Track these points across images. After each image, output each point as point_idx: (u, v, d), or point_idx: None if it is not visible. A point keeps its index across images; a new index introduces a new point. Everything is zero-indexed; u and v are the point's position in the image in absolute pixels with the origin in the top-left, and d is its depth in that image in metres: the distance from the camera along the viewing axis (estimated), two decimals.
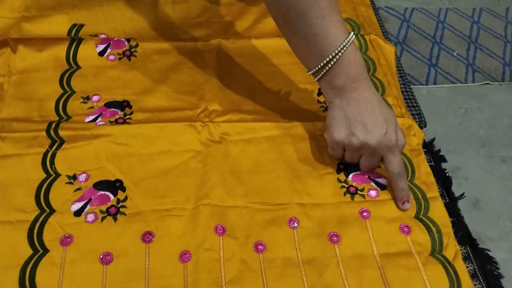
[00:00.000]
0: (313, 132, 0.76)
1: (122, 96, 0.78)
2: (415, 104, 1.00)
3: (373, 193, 0.70)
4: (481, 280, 0.71)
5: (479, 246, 0.75)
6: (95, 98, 0.78)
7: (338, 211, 0.68)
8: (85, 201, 0.65)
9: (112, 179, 0.68)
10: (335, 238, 0.65)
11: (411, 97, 1.00)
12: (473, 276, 0.70)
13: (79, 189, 0.67)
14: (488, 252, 0.77)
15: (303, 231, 0.65)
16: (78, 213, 0.64)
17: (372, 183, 0.71)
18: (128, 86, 0.80)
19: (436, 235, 0.66)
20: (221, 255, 0.62)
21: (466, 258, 0.73)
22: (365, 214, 0.67)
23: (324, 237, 0.65)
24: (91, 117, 0.75)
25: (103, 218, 0.64)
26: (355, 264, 0.63)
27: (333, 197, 0.69)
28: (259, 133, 0.75)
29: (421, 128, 0.88)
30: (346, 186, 0.71)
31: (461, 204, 0.86)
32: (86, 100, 0.77)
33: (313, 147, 0.75)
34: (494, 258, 0.78)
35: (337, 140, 0.68)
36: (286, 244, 0.64)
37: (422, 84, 1.48)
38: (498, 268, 0.77)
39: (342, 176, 0.72)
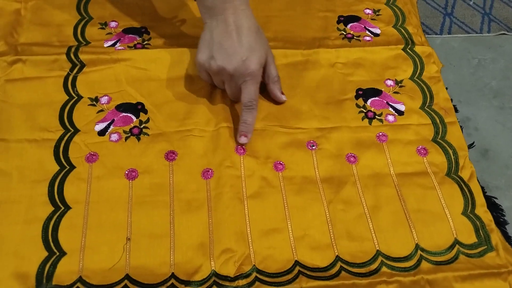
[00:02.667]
0: (332, 59, 0.77)
1: (139, 23, 0.79)
2: None
3: (390, 118, 0.72)
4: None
5: (486, 194, 0.77)
6: (112, 24, 0.79)
7: (355, 135, 0.70)
8: (108, 122, 0.68)
9: (134, 102, 0.70)
10: (352, 159, 0.68)
11: None
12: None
13: (101, 110, 0.69)
14: (495, 199, 0.78)
15: (321, 152, 0.68)
16: (102, 132, 0.67)
17: (390, 109, 0.74)
18: (146, 13, 0.80)
19: (452, 157, 0.69)
20: (242, 172, 0.65)
21: None
22: (382, 137, 0.70)
23: (342, 157, 0.68)
24: (110, 42, 0.76)
25: (126, 138, 0.67)
26: (371, 182, 0.66)
27: (351, 121, 0.71)
28: (278, 60, 0.75)
29: None
30: (365, 111, 0.73)
31: (470, 153, 0.87)
32: (104, 26, 0.78)
33: (332, 74, 0.76)
34: (500, 205, 0.80)
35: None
36: (305, 163, 0.67)
37: (437, 34, 1.46)
38: (504, 215, 0.79)
39: (360, 102, 0.74)
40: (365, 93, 0.75)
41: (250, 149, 0.67)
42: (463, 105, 1.22)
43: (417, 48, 0.78)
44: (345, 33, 0.81)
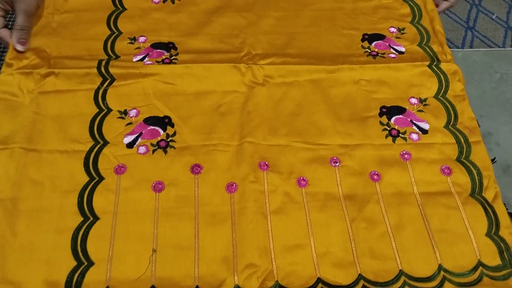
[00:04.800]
0: (356, 76, 0.77)
1: (167, 38, 0.81)
2: None
3: (414, 136, 0.72)
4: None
5: (508, 210, 0.76)
6: (141, 39, 0.80)
7: (379, 152, 0.70)
8: (136, 135, 0.69)
9: (161, 115, 0.72)
10: (376, 177, 0.67)
11: None
12: (501, 240, 0.71)
13: (130, 123, 0.70)
14: None
15: (345, 169, 0.68)
16: (130, 145, 0.68)
17: (414, 127, 0.73)
18: (173, 28, 0.82)
19: (476, 177, 0.68)
20: (266, 188, 0.65)
21: None
22: (406, 156, 0.70)
23: (365, 175, 0.68)
24: (139, 57, 0.77)
25: (154, 151, 0.68)
26: (395, 201, 0.66)
27: (374, 139, 0.71)
28: (302, 76, 0.77)
29: None
30: (388, 129, 0.72)
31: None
32: (133, 41, 0.80)
33: (356, 91, 0.76)
34: None
35: None
36: (328, 180, 0.67)
37: (458, 47, 1.45)
38: None
39: (384, 119, 0.73)
40: (389, 111, 0.74)
41: (273, 164, 0.67)
42: (484, 120, 1.21)
43: (443, 66, 0.77)
44: (369, 51, 0.81)
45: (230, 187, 0.65)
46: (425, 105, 0.75)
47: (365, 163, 0.69)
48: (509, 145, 1.17)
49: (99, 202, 0.62)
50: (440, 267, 0.61)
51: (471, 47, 1.47)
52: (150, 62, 0.76)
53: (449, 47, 1.33)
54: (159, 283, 0.58)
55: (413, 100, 0.76)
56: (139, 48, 0.79)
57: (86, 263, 0.58)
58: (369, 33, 0.84)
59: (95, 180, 0.64)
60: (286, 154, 0.69)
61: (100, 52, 0.78)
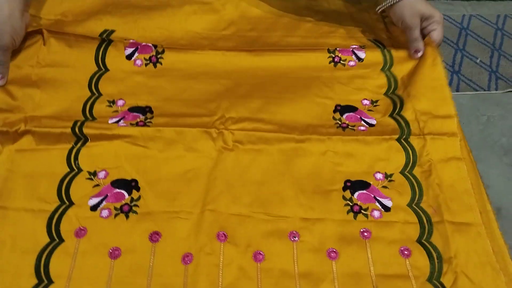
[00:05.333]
0: (324, 148, 0.76)
1: (145, 102, 0.81)
2: None
3: (376, 213, 0.70)
4: None
5: None
6: (120, 102, 0.81)
7: (339, 228, 0.68)
8: (102, 197, 0.69)
9: (129, 178, 0.71)
10: (333, 255, 0.65)
11: None
12: None
13: (97, 185, 0.70)
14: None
15: (303, 245, 0.66)
16: (94, 207, 0.68)
17: (377, 203, 0.71)
18: (152, 92, 0.83)
19: (436, 261, 0.65)
20: (221, 261, 0.64)
21: None
22: (366, 234, 0.67)
23: (323, 252, 0.65)
24: (114, 120, 0.78)
25: (116, 215, 0.67)
26: (350, 281, 0.63)
27: (336, 214, 0.69)
28: (271, 144, 0.76)
29: None
30: (351, 204, 0.71)
31: None
32: (111, 104, 0.80)
33: (323, 163, 0.75)
34: None
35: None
36: (285, 255, 0.65)
37: None
38: None
39: (348, 194, 0.72)
40: (353, 185, 0.73)
41: (231, 236, 0.66)
42: None
43: (412, 139, 0.75)
44: (340, 122, 0.80)
45: (186, 258, 0.64)
46: (390, 181, 0.73)
47: (324, 239, 0.67)
48: (499, 187, 1.17)
49: (55, 265, 0.62)
50: None
51: (457, 90, 1.50)
52: (124, 124, 0.76)
53: None
54: None
55: (378, 176, 0.74)
56: (116, 111, 0.79)
57: None
58: (342, 104, 0.83)
59: (55, 242, 0.64)
60: (246, 225, 0.67)
61: (78, 113, 0.78)
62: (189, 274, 0.62)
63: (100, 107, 0.79)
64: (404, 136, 0.76)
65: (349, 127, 0.79)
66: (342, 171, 0.74)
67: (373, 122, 0.80)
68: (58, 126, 0.74)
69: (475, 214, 0.69)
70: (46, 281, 0.60)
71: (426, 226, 0.68)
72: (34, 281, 0.60)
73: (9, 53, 0.80)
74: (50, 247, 0.63)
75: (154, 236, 0.65)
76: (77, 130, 0.74)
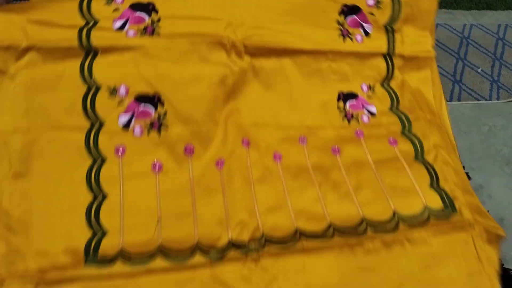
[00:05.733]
0: (324, 61, 0.88)
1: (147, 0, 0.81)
2: None
3: (365, 118, 0.86)
4: None
5: (503, 266, 0.74)
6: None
7: (338, 132, 0.83)
8: (130, 115, 0.75)
9: (151, 92, 0.76)
10: (336, 151, 0.81)
11: None
12: None
13: (121, 101, 0.76)
14: None
15: (311, 146, 0.81)
16: (126, 126, 0.75)
17: (365, 111, 0.87)
18: None
19: (418, 145, 0.83)
20: (248, 162, 0.76)
21: None
22: (360, 134, 0.84)
23: (328, 150, 0.81)
24: (119, 23, 0.77)
25: (148, 132, 0.75)
26: (353, 168, 0.79)
27: (333, 121, 0.84)
28: (275, 38, 0.84)
29: None
30: (344, 112, 0.86)
31: None
32: (110, 1, 0.80)
33: (320, 77, 0.88)
34: None
35: None
36: (298, 155, 0.79)
37: (446, 101, 1.47)
38: None
39: (341, 104, 0.88)
40: (345, 97, 0.88)
41: (253, 141, 0.79)
42: (475, 173, 1.22)
43: (396, 58, 0.92)
44: (342, 28, 0.91)
45: (219, 163, 0.75)
46: (373, 91, 0.90)
47: (327, 141, 0.82)
48: (501, 197, 1.16)
49: (105, 180, 0.70)
50: (395, 213, 0.74)
51: (459, 100, 1.49)
52: (132, 32, 0.77)
53: None
54: (165, 243, 0.66)
55: (364, 87, 0.90)
56: (117, 9, 0.79)
57: (101, 232, 0.66)
58: (347, 3, 0.93)
59: (99, 161, 0.71)
60: (263, 132, 0.80)
61: (75, 14, 0.76)
62: (224, 174, 0.74)
63: (97, 6, 0.79)
64: (389, 50, 0.92)
65: (348, 35, 0.92)
66: (337, 85, 0.88)
67: (369, 30, 0.93)
68: (63, 38, 0.73)
69: (439, 116, 0.88)
70: (101, 194, 0.69)
71: (405, 122, 0.86)
72: (90, 196, 0.69)
73: None
74: (96, 166, 0.71)
75: (188, 149, 0.75)
76: (84, 39, 0.74)
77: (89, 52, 0.75)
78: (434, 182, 0.79)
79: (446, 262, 0.70)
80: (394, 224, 0.72)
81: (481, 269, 0.70)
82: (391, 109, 0.88)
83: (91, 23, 0.75)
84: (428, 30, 0.97)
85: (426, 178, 0.79)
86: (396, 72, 0.91)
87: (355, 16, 0.93)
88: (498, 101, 1.49)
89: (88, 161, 0.70)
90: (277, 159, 0.78)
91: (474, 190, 0.80)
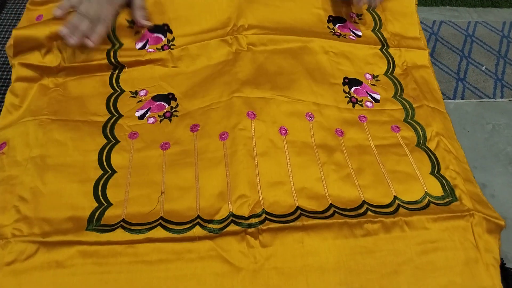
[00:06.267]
0: (326, 48, 0.91)
1: (161, 22, 0.91)
2: None
3: (369, 104, 0.86)
4: None
5: (505, 265, 0.74)
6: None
7: (342, 114, 0.83)
8: (146, 109, 0.81)
9: (166, 93, 0.84)
10: (340, 133, 0.80)
11: None
12: None
13: (140, 101, 0.82)
14: None
15: (316, 124, 0.80)
16: (141, 117, 0.80)
17: (369, 97, 0.87)
18: (164, 11, 0.92)
19: (420, 132, 0.83)
20: (253, 134, 0.76)
21: None
22: (363, 118, 0.83)
23: (332, 130, 0.80)
24: (140, 44, 0.89)
25: (161, 120, 0.80)
26: (356, 151, 0.78)
27: (340, 103, 0.85)
28: (280, 44, 0.90)
29: None
30: (349, 96, 0.86)
31: None
32: (132, 25, 0.89)
33: (326, 60, 0.90)
34: None
35: None
36: (303, 131, 0.79)
37: (450, 98, 1.47)
38: None
39: (346, 88, 0.88)
40: (349, 82, 0.89)
41: (259, 114, 0.79)
42: (478, 171, 1.21)
43: (391, 50, 0.94)
44: (334, 31, 0.96)
45: (223, 136, 0.76)
46: (377, 80, 0.90)
47: (332, 121, 0.82)
48: (504, 196, 1.16)
49: (116, 159, 0.73)
50: (395, 198, 0.73)
51: (462, 98, 1.48)
52: (152, 50, 0.88)
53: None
54: (166, 215, 0.67)
55: (368, 76, 0.91)
56: (138, 32, 0.90)
57: (106, 204, 0.68)
58: (333, 15, 0.99)
59: (112, 142, 0.75)
60: (270, 106, 0.80)
61: (105, 41, 0.87)
62: (227, 147, 0.75)
63: (123, 33, 0.89)
64: (384, 47, 0.94)
65: (342, 35, 0.95)
66: (341, 69, 0.90)
67: (359, 33, 0.96)
68: (94, 59, 0.85)
69: (442, 104, 0.89)
70: (110, 171, 0.72)
71: (409, 110, 0.86)
72: (100, 172, 0.71)
73: (114, 7, 0.86)
74: (109, 146, 0.75)
75: (194, 127, 0.77)
76: (112, 59, 0.85)
77: (117, 67, 0.85)
78: (436, 169, 0.78)
79: (444, 248, 0.70)
80: (394, 208, 0.72)
81: (479, 257, 0.69)
82: (394, 96, 0.89)
83: (117, 46, 0.87)
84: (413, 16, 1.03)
85: (428, 165, 0.78)
86: (402, 62, 0.94)
87: (343, 24, 0.98)
88: (502, 100, 1.49)
89: (102, 142, 0.75)
90: (283, 133, 0.78)
91: None
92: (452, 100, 1.47)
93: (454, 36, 1.71)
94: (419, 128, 0.84)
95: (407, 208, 0.73)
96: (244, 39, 0.88)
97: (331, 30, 0.96)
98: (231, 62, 0.86)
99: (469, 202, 0.74)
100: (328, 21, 0.98)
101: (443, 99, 1.42)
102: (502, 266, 0.78)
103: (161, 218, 0.67)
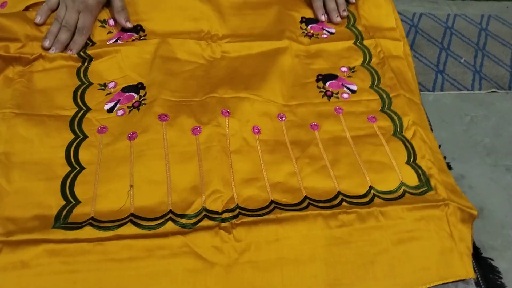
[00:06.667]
0: (297, 50, 0.91)
1: (134, 22, 0.91)
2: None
3: (345, 95, 0.86)
4: None
5: (482, 255, 0.75)
6: (111, 22, 0.91)
7: (317, 108, 0.83)
8: (115, 101, 0.79)
9: (135, 83, 0.82)
10: (315, 127, 0.80)
11: None
12: (476, 284, 0.71)
13: (109, 93, 0.80)
14: (491, 261, 0.77)
15: (289, 123, 0.80)
16: (110, 110, 0.78)
17: (345, 88, 0.87)
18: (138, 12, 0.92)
19: (397, 121, 0.82)
20: (227, 131, 0.76)
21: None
22: (339, 110, 0.83)
23: (306, 126, 0.80)
24: (112, 41, 0.88)
25: (130, 111, 0.77)
26: (332, 143, 0.78)
27: (313, 99, 0.84)
28: (254, 49, 0.90)
29: None
30: (324, 91, 0.86)
31: None
32: (104, 24, 0.90)
33: (297, 63, 0.90)
34: (497, 267, 0.79)
35: None
36: (276, 131, 0.79)
37: (429, 90, 1.48)
38: (501, 278, 0.78)
39: (320, 84, 0.87)
40: (324, 78, 0.88)
41: (233, 112, 0.78)
42: (457, 163, 1.23)
43: (366, 42, 0.94)
44: (306, 32, 0.96)
45: (195, 130, 0.74)
46: (353, 71, 0.90)
47: (306, 117, 0.81)
48: (482, 188, 1.18)
49: (84, 155, 0.71)
50: (371, 188, 0.73)
51: (442, 90, 1.50)
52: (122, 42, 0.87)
53: (421, 90, 1.35)
54: (137, 211, 0.65)
55: (344, 69, 0.91)
56: (111, 32, 0.89)
57: (73, 202, 0.66)
58: (306, 16, 1.00)
59: (80, 138, 0.72)
60: (244, 104, 0.79)
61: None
62: (201, 142, 0.74)
63: (97, 31, 0.89)
64: (359, 41, 0.95)
65: (314, 35, 0.96)
66: (313, 68, 0.90)
67: (333, 31, 0.97)
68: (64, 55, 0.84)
69: (418, 95, 0.90)
70: (78, 168, 0.69)
71: (386, 100, 0.86)
72: (67, 168, 0.69)
73: (94, 16, 0.87)
74: (76, 142, 0.72)
75: (163, 117, 0.75)
76: (81, 53, 0.84)
77: (85, 59, 0.84)
78: (411, 158, 0.78)
79: (420, 238, 0.70)
80: (369, 198, 0.72)
81: (453, 246, 0.70)
82: (372, 86, 0.88)
83: (89, 44, 0.87)
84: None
85: (404, 155, 0.78)
86: (378, 52, 0.95)
87: (316, 24, 0.99)
88: (480, 92, 1.50)
89: (69, 137, 0.73)
90: (256, 132, 0.78)
91: (455, 180, 0.81)
92: (432, 92, 1.48)
93: (433, 28, 1.72)
94: (395, 118, 0.83)
95: (383, 198, 0.73)
96: (218, 48, 0.88)
97: (304, 30, 0.96)
98: (205, 68, 0.85)
99: (444, 192, 0.74)
100: (301, 22, 0.98)
101: (423, 91, 1.43)
102: (479, 256, 0.79)
103: (132, 214, 0.66)
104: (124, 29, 0.89)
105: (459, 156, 1.26)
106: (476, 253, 0.78)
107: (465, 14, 1.80)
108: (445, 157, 0.86)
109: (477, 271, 0.74)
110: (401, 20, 1.69)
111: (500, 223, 1.07)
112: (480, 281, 0.74)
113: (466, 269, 0.69)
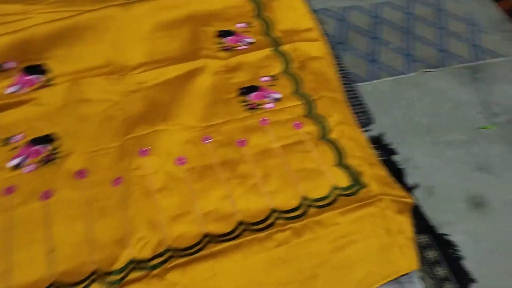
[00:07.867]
0: (216, 67, 0.91)
1: (39, 61, 0.86)
2: (360, 102, 1.02)
3: (269, 105, 0.87)
4: (446, 265, 0.74)
5: (438, 232, 0.78)
6: (11, 64, 0.85)
7: (242, 123, 0.84)
8: (23, 157, 0.74)
9: (46, 133, 0.78)
10: (242, 143, 0.81)
11: (354, 95, 1.02)
12: (437, 262, 0.73)
13: (15, 148, 0.76)
14: (448, 236, 0.79)
15: (216, 143, 0.80)
16: (17, 166, 0.74)
17: (268, 99, 0.88)
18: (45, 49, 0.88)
19: (323, 124, 0.84)
20: (148, 172, 0.74)
21: (429, 246, 0.75)
22: (265, 121, 0.85)
23: (233, 144, 0.81)
24: (11, 89, 0.82)
25: (40, 166, 0.74)
26: (260, 157, 0.79)
27: (237, 114, 0.85)
28: (171, 74, 0.89)
29: (368, 125, 0.95)
30: (247, 103, 0.87)
31: (416, 193, 0.88)
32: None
33: (217, 80, 0.90)
34: (453, 241, 0.81)
35: None
36: (203, 155, 0.78)
37: (366, 81, 1.52)
38: (459, 251, 0.80)
39: (243, 98, 0.88)
40: (246, 90, 0.90)
41: (154, 149, 0.77)
42: (401, 146, 1.27)
43: (285, 47, 0.96)
44: (221, 46, 0.96)
45: (117, 181, 0.73)
46: (275, 79, 0.92)
47: (232, 135, 0.81)
48: (427, 166, 1.22)
49: None
50: (303, 198, 0.74)
51: (378, 78, 1.54)
52: (27, 91, 0.82)
53: (358, 81, 1.38)
54: (60, 277, 0.62)
55: (264, 78, 0.92)
56: (9, 77, 0.83)
57: None
58: (220, 29, 0.99)
59: None
60: (163, 138, 0.78)
61: None
62: (122, 191, 0.72)
63: None
64: (277, 47, 0.96)
65: (232, 48, 0.96)
66: (234, 82, 0.90)
67: (252, 40, 0.98)
68: None
69: (340, 92, 0.91)
70: None
71: (310, 104, 0.88)
72: None
73: None
74: None
75: (80, 174, 0.73)
76: None
77: None
78: (340, 159, 0.80)
79: (356, 240, 0.71)
80: (303, 210, 0.73)
81: (392, 241, 0.71)
82: (294, 93, 0.90)
83: None
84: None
85: (332, 157, 0.80)
86: (294, 57, 0.96)
87: (232, 36, 0.99)
88: (413, 74, 1.56)
89: None
90: (180, 163, 0.77)
91: (402, 163, 0.83)
92: (369, 82, 1.52)
93: (362, 20, 1.77)
94: (321, 120, 0.85)
95: (316, 206, 0.73)
96: (132, 79, 0.86)
97: (220, 45, 0.96)
98: (120, 105, 0.83)
99: (376, 186, 0.76)
100: (217, 36, 0.98)
101: (360, 83, 1.47)
102: (435, 233, 0.82)
103: (54, 282, 0.62)
104: (26, 69, 0.84)
105: (402, 139, 1.30)
106: (433, 231, 0.80)
107: (391, 1, 1.86)
108: (389, 143, 0.89)
109: (437, 249, 0.77)
110: (331, 16, 1.73)
111: (450, 197, 1.12)
112: (441, 259, 0.76)
113: (408, 261, 0.70)
